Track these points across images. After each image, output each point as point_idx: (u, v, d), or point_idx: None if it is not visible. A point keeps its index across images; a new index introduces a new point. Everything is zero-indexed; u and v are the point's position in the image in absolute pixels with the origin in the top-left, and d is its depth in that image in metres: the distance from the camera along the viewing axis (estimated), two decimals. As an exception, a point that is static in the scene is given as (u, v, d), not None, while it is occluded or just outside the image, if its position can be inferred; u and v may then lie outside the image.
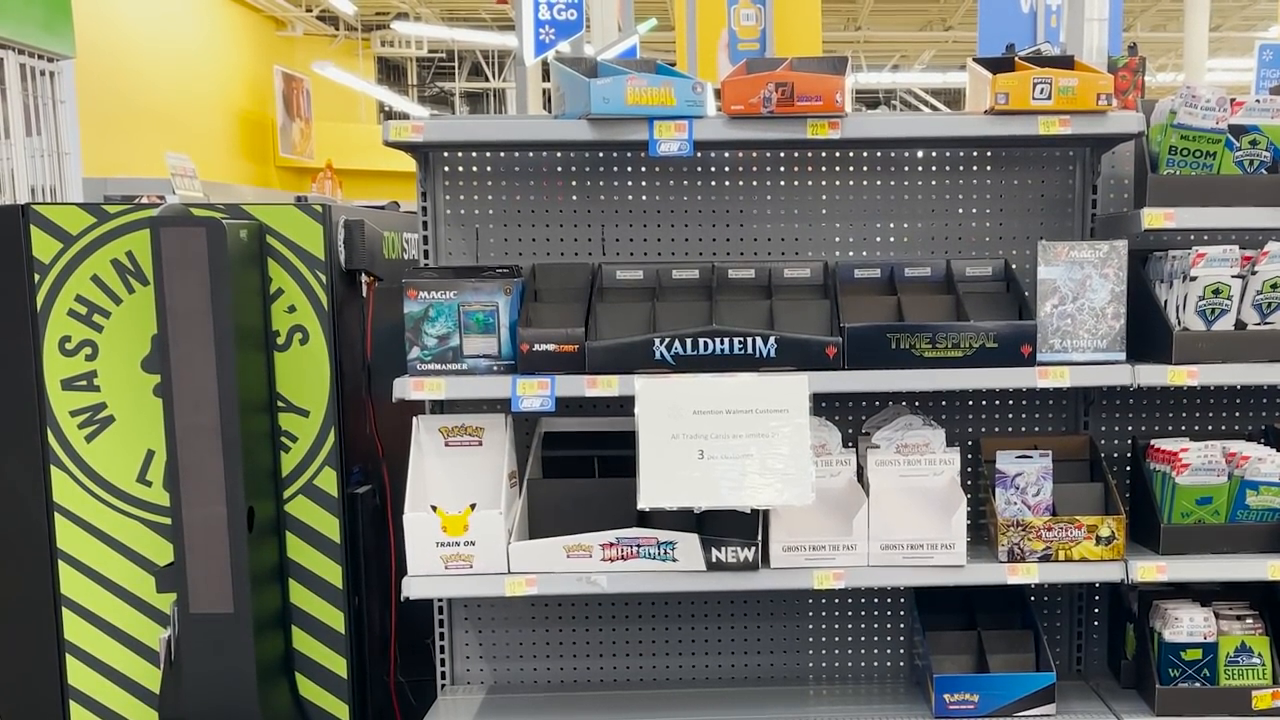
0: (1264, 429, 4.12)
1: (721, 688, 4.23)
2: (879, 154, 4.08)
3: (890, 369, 3.59)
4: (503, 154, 4.04)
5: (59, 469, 3.74)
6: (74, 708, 3.83)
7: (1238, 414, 4.21)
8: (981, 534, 3.95)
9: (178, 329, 3.45)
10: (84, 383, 3.71)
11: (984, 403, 4.18)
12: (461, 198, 4.05)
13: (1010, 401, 4.18)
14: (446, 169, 4.04)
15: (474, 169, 4.05)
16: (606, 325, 3.74)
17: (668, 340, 3.57)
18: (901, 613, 4.27)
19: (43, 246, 3.67)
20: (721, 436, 3.51)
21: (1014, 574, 3.70)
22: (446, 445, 3.80)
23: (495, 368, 3.63)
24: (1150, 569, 3.69)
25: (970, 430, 4.17)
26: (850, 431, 4.08)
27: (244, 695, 3.60)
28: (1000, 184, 4.10)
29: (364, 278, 3.95)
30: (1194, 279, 3.62)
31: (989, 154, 4.09)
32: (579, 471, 3.90)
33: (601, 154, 4.05)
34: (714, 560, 3.60)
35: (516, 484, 3.80)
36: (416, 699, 4.20)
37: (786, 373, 3.56)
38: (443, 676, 4.21)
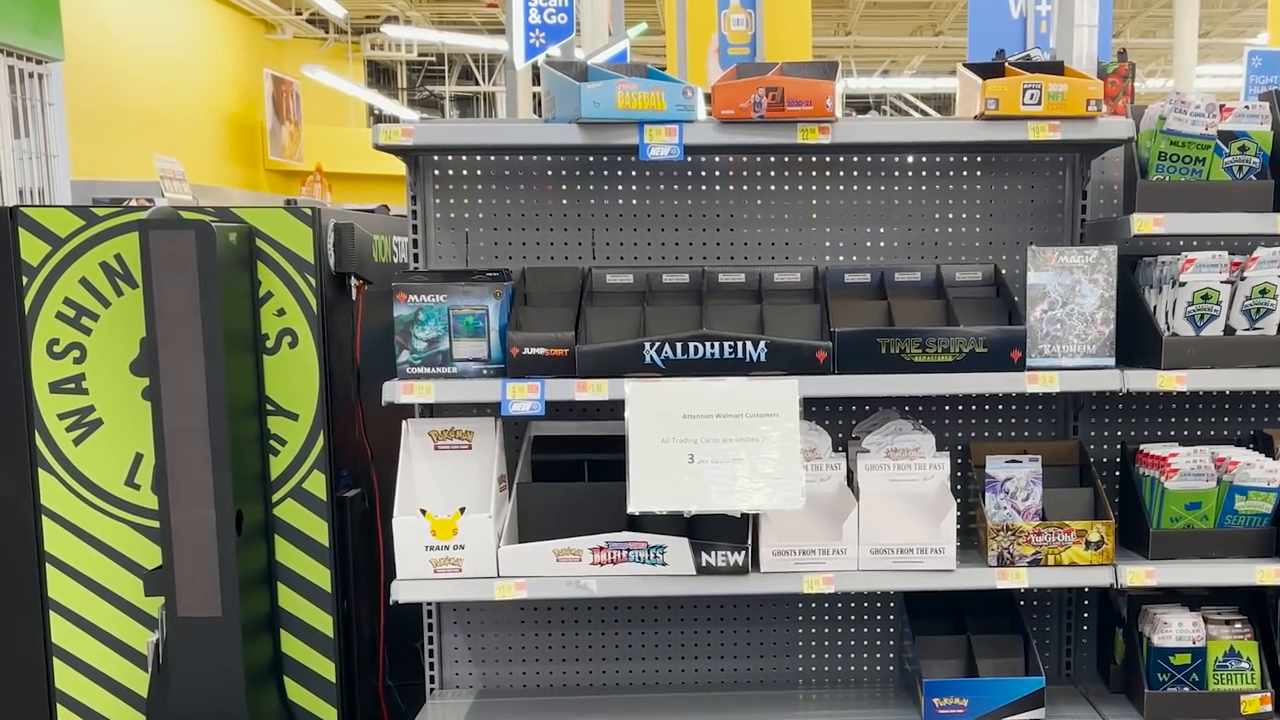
0: (1253, 434, 4.13)
1: (711, 692, 4.22)
2: (869, 159, 4.08)
3: (880, 373, 3.60)
4: (493, 158, 4.04)
5: (47, 472, 3.72)
6: (61, 711, 3.81)
7: (1226, 419, 4.21)
8: (971, 539, 3.95)
9: (166, 332, 3.44)
10: (72, 386, 3.70)
11: (974, 407, 4.18)
12: (451, 201, 4.05)
13: (1000, 406, 4.18)
14: (436, 172, 4.04)
15: (464, 172, 4.04)
16: (596, 329, 3.74)
17: (658, 344, 3.57)
18: (891, 617, 4.28)
19: (31, 249, 3.66)
20: (711, 440, 3.51)
21: (1003, 578, 3.70)
22: (436, 449, 3.80)
23: (485, 371, 3.62)
24: (1139, 574, 3.69)
25: (960, 435, 4.17)
26: (840, 436, 4.08)
27: (232, 699, 3.59)
28: (990, 189, 4.10)
29: (353, 281, 3.94)
30: (1183, 284, 3.63)
31: (979, 159, 4.09)
32: (569, 475, 3.90)
33: (592, 158, 4.05)
34: (704, 564, 3.60)
35: (506, 488, 3.80)
36: (405, 703, 4.19)
37: (776, 377, 3.56)
38: (431, 680, 4.20)
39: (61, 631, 3.79)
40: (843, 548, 3.67)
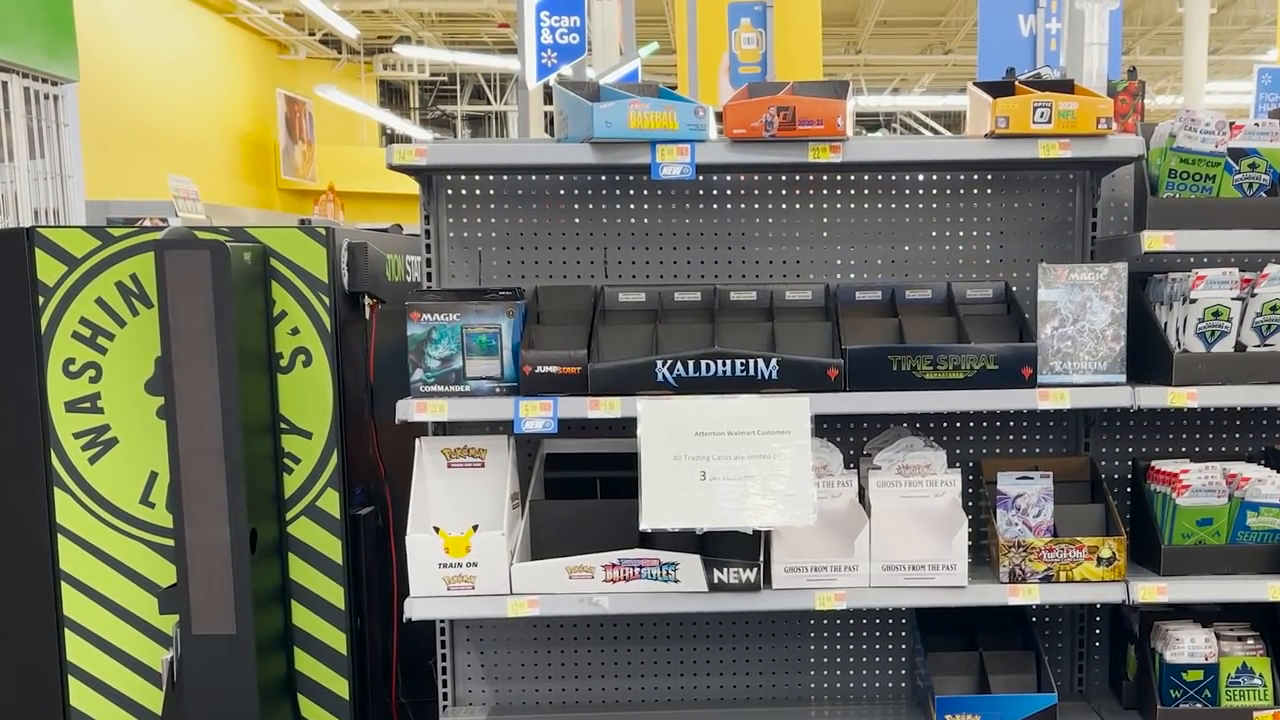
0: (1264, 450, 4.13)
1: (723, 708, 4.23)
2: (880, 177, 4.10)
3: (891, 390, 3.61)
4: (505, 177, 4.06)
5: (62, 490, 3.74)
6: (76, 729, 3.84)
7: (1238, 435, 4.22)
8: (982, 555, 3.95)
9: (181, 351, 3.47)
10: (88, 405, 3.72)
11: (985, 424, 4.19)
12: (464, 220, 4.07)
13: (1011, 423, 4.19)
14: (449, 192, 4.06)
15: (477, 192, 4.07)
16: (609, 347, 3.75)
17: (670, 362, 3.58)
18: (903, 633, 4.28)
19: (47, 269, 3.68)
20: (723, 458, 3.52)
21: (1015, 595, 3.70)
22: (449, 466, 3.81)
23: (498, 389, 3.64)
24: (1151, 590, 3.69)
25: (971, 451, 4.18)
26: (851, 453, 4.09)
27: (246, 716, 3.60)
28: (1001, 207, 4.11)
29: (367, 300, 3.96)
30: (1194, 301, 3.63)
31: (989, 177, 4.10)
32: (581, 493, 3.91)
33: (604, 177, 4.07)
34: (716, 581, 3.61)
35: (519, 505, 3.81)
36: (418, 720, 4.20)
37: (788, 394, 3.57)
38: (444, 698, 4.21)
39: (77, 649, 3.80)
40: (854, 564, 3.67)
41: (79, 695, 3.82)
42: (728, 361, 3.59)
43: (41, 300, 3.69)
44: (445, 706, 4.20)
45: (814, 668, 4.29)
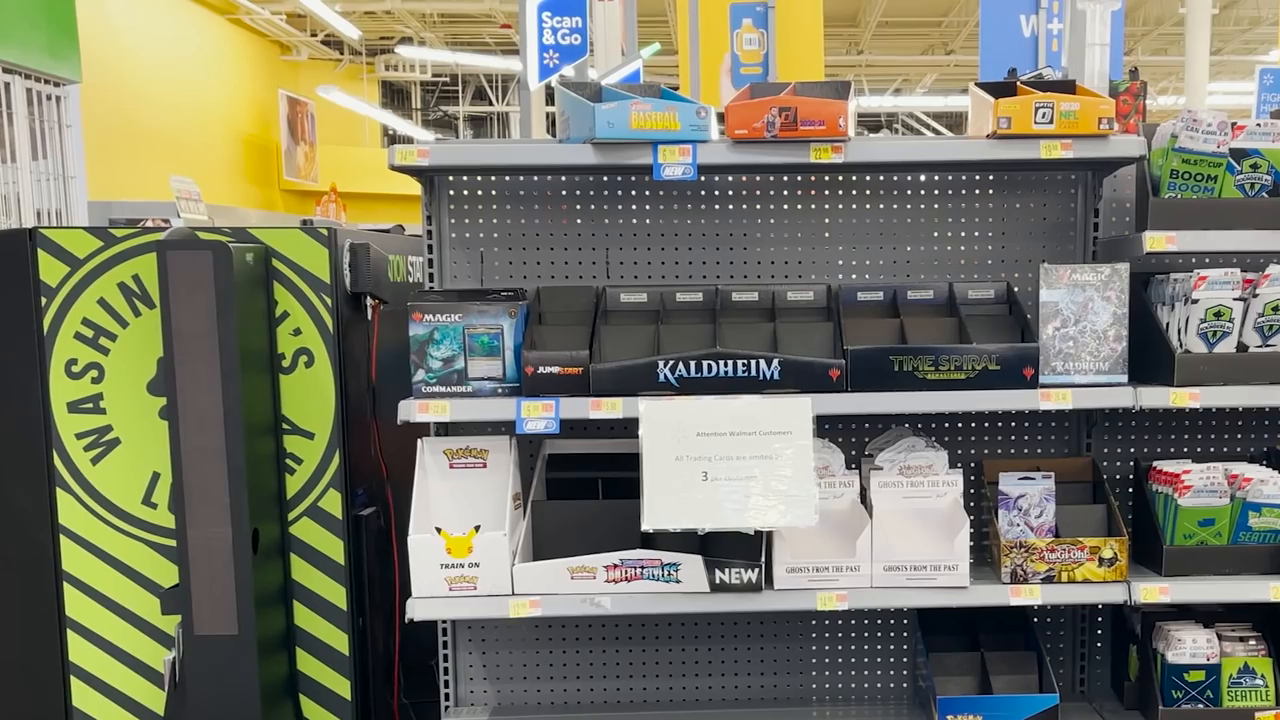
0: (1266, 451, 4.13)
1: (725, 709, 4.23)
2: (882, 178, 4.10)
3: (893, 391, 3.61)
4: (507, 178, 4.06)
5: (65, 491, 3.75)
6: (79, 729, 3.84)
7: (1240, 436, 4.21)
8: (984, 555, 3.96)
9: (183, 352, 3.47)
10: (90, 405, 3.73)
11: (986, 425, 4.19)
12: (466, 221, 4.07)
13: (1013, 423, 4.19)
14: (452, 192, 4.06)
15: (479, 192, 4.07)
16: (611, 348, 3.75)
17: (672, 362, 3.58)
18: (904, 634, 4.28)
19: (50, 270, 3.68)
20: (725, 458, 3.52)
21: (1017, 595, 3.70)
22: (451, 467, 3.81)
23: (500, 390, 3.64)
24: (1153, 590, 3.69)
25: (973, 452, 4.18)
26: (853, 453, 4.09)
27: (247, 717, 3.61)
28: (1002, 208, 4.11)
29: (369, 300, 3.96)
30: (1195, 302, 3.63)
31: (991, 178, 4.11)
32: (583, 493, 3.91)
33: (606, 178, 4.07)
34: (717, 582, 3.61)
35: (521, 506, 3.81)
36: (420, 721, 4.20)
37: (790, 395, 3.57)
38: (446, 698, 4.21)
39: (79, 650, 3.80)
40: (856, 565, 3.68)
41: (81, 695, 3.82)
42: (729, 362, 3.59)
43: (44, 301, 3.69)
44: (447, 707, 4.20)
45: (816, 668, 4.29)
